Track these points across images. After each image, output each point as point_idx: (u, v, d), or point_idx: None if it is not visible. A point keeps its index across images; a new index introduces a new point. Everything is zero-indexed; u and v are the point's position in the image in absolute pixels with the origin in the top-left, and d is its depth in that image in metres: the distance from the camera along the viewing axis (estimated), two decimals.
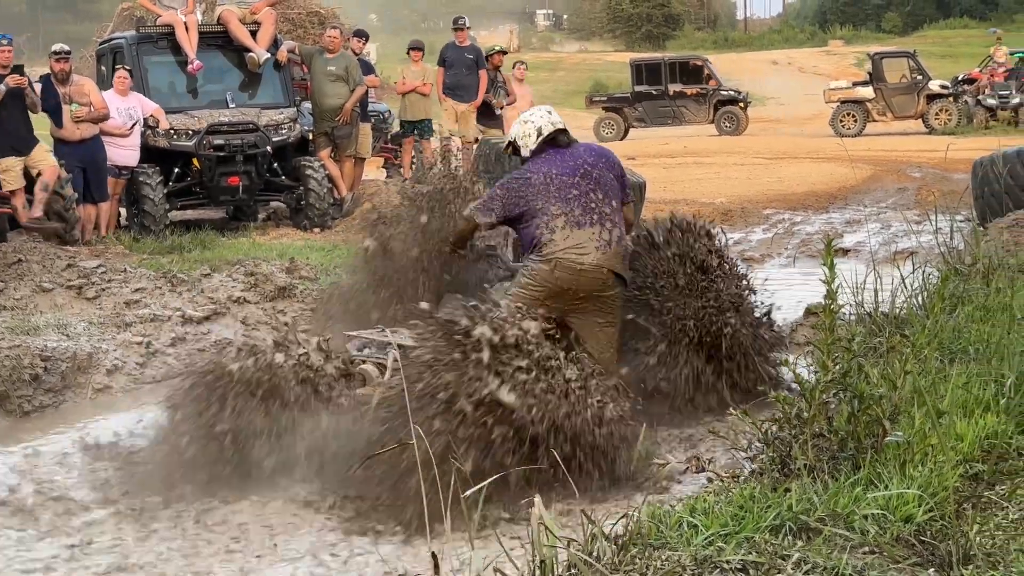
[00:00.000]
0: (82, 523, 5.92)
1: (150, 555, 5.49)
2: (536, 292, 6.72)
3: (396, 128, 18.76)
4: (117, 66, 14.50)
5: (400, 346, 6.65)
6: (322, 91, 15.37)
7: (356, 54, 16.33)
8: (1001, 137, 22.13)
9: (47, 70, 13.54)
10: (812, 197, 18.32)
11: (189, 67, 14.73)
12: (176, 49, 14.82)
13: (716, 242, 7.67)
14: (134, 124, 13.76)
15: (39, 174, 12.35)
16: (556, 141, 7.06)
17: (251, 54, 14.95)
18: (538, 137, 7.07)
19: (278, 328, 8.68)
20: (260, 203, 15.60)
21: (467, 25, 17.50)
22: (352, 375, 6.73)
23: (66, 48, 13.72)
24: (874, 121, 33.58)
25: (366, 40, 17.39)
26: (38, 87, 12.90)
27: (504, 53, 18.15)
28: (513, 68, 18.18)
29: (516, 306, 6.54)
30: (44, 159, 12.47)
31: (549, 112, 7.20)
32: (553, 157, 7.00)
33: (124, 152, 13.77)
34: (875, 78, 33.85)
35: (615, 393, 6.21)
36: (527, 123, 7.12)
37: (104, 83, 14.54)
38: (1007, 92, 32.05)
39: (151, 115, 14.07)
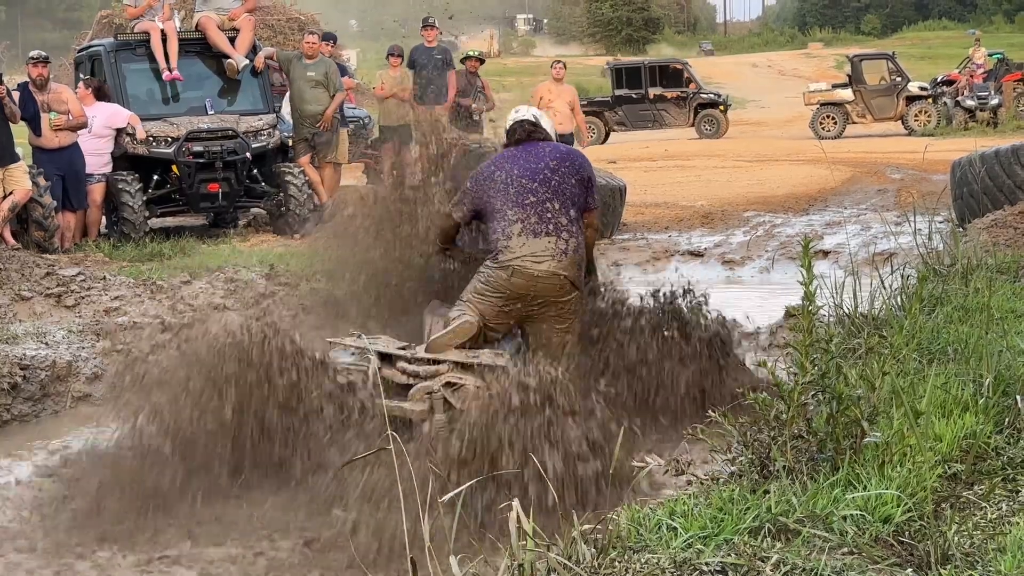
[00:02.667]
0: None
1: None
2: (493, 298, 6.75)
3: (376, 134, 18.72)
4: (84, 76, 14.50)
5: (380, 355, 6.66)
6: (302, 97, 15.35)
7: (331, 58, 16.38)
8: (979, 138, 22.19)
9: (26, 78, 13.51)
10: (792, 199, 18.32)
11: (164, 76, 14.70)
12: (155, 56, 14.79)
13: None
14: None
15: (11, 193, 12.32)
16: (516, 133, 7.08)
17: (230, 60, 14.93)
18: (510, 134, 7.14)
19: None
20: (240, 209, 15.58)
21: (435, 24, 17.44)
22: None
23: (44, 54, 13.69)
24: (854, 123, 33.64)
25: (334, 43, 17.30)
26: (16, 95, 12.86)
27: (482, 61, 18.11)
28: (552, 67, 18.12)
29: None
30: (20, 180, 12.43)
31: (513, 111, 7.25)
32: (518, 155, 7.02)
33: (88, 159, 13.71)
34: (854, 80, 33.93)
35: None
36: (509, 119, 7.23)
37: None
38: (985, 93, 32.14)
39: (128, 123, 14.03)
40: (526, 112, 7.20)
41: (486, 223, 7.02)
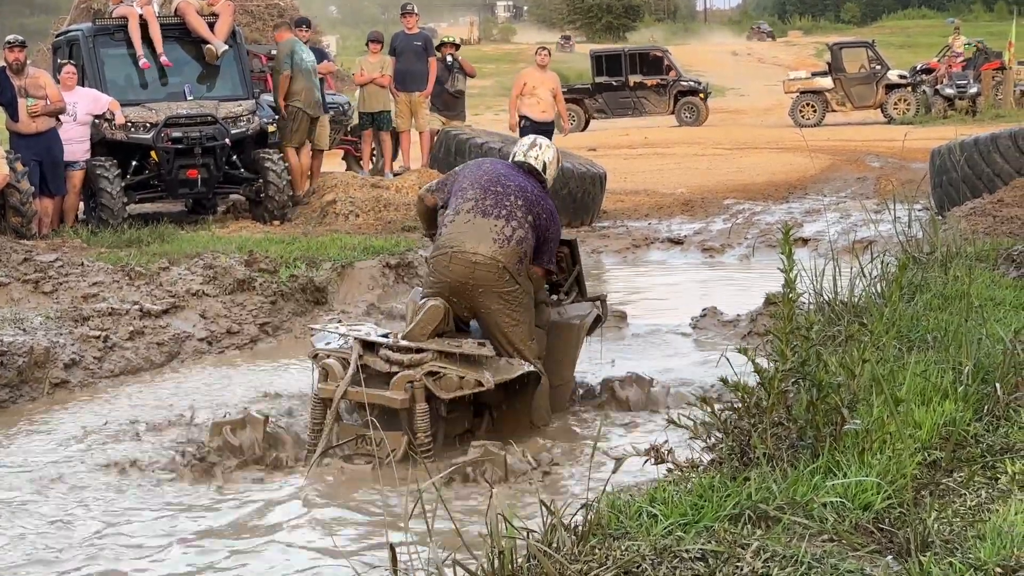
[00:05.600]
0: None
1: None
2: (438, 288, 6.70)
3: (355, 120, 18.69)
4: (62, 60, 14.40)
5: (363, 343, 6.64)
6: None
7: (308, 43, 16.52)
8: (958, 126, 22.27)
9: (2, 62, 13.43)
10: (772, 187, 18.36)
11: (142, 64, 14.64)
12: (133, 41, 14.71)
13: None
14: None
15: None
16: (516, 158, 7.08)
17: (209, 46, 14.87)
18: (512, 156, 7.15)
19: None
20: (219, 196, 15.53)
21: (415, 11, 17.38)
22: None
23: (20, 38, 13.61)
24: (833, 111, 33.69)
25: (307, 27, 17.12)
26: None
27: (457, 47, 18.10)
28: (536, 54, 18.09)
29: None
30: None
31: (532, 143, 7.20)
32: (513, 167, 6.99)
33: (67, 147, 13.65)
34: (834, 68, 33.97)
35: None
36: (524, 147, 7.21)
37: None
38: (964, 82, 32.23)
39: (107, 108, 13.96)
40: (538, 156, 7.09)
41: (449, 201, 6.96)
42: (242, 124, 14.69)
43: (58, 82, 13.89)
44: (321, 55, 17.06)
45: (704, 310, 9.94)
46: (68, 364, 8.61)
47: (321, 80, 16.58)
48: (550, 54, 18.21)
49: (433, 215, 7.24)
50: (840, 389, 4.60)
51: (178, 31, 15.02)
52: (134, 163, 14.32)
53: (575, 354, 7.50)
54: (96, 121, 14.02)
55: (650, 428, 7.03)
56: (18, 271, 10.03)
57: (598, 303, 7.82)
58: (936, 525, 3.88)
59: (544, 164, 7.07)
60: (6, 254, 10.26)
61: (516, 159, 7.08)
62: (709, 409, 4.79)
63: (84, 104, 13.89)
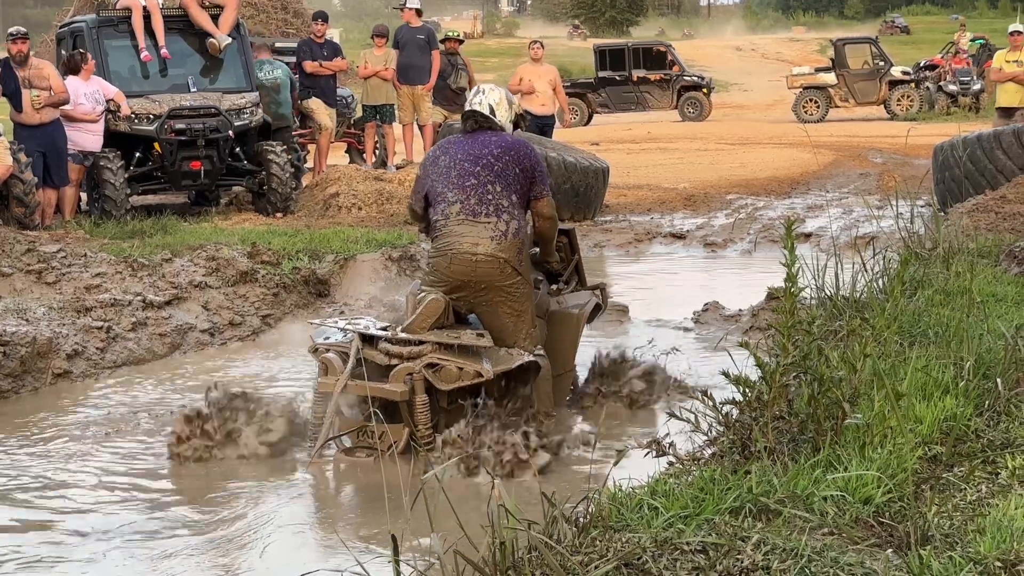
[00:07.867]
0: None
1: None
2: (440, 286, 6.68)
3: (359, 113, 18.73)
4: (80, 51, 14.41)
5: (362, 336, 6.65)
6: None
7: (317, 37, 16.70)
8: (961, 123, 22.27)
9: (5, 54, 13.46)
10: (774, 182, 18.36)
11: (143, 56, 14.66)
12: (136, 33, 14.73)
13: None
14: (104, 110, 13.70)
15: None
16: (467, 123, 7.00)
17: (212, 39, 14.89)
18: (463, 119, 7.07)
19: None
20: (222, 188, 15.54)
21: (414, 5, 17.45)
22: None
23: (22, 30, 13.63)
24: (836, 107, 33.69)
25: (324, 21, 17.43)
26: None
27: (460, 41, 18.14)
28: (530, 48, 18.12)
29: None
30: (1, 156, 12.38)
31: (475, 92, 7.13)
32: (464, 141, 6.91)
33: (91, 137, 13.71)
34: (837, 64, 33.97)
35: None
36: (469, 98, 7.09)
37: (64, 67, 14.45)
38: (968, 78, 32.22)
39: (112, 99, 13.98)
40: (482, 101, 7.04)
41: (431, 207, 6.92)
42: (245, 116, 14.72)
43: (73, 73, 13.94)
44: (334, 51, 17.18)
45: (706, 304, 9.94)
46: (71, 354, 8.62)
47: (333, 76, 17.12)
48: (543, 47, 18.28)
49: (422, 216, 7.22)
50: (841, 383, 4.61)
51: (182, 23, 15.04)
52: (137, 155, 14.34)
53: (576, 343, 7.50)
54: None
55: (651, 421, 7.04)
56: (21, 261, 10.04)
57: (598, 291, 7.83)
58: (936, 519, 3.89)
59: (490, 107, 6.98)
60: (9, 244, 10.27)
61: (464, 114, 7.04)
62: (711, 402, 4.80)
63: (101, 93, 13.93)
